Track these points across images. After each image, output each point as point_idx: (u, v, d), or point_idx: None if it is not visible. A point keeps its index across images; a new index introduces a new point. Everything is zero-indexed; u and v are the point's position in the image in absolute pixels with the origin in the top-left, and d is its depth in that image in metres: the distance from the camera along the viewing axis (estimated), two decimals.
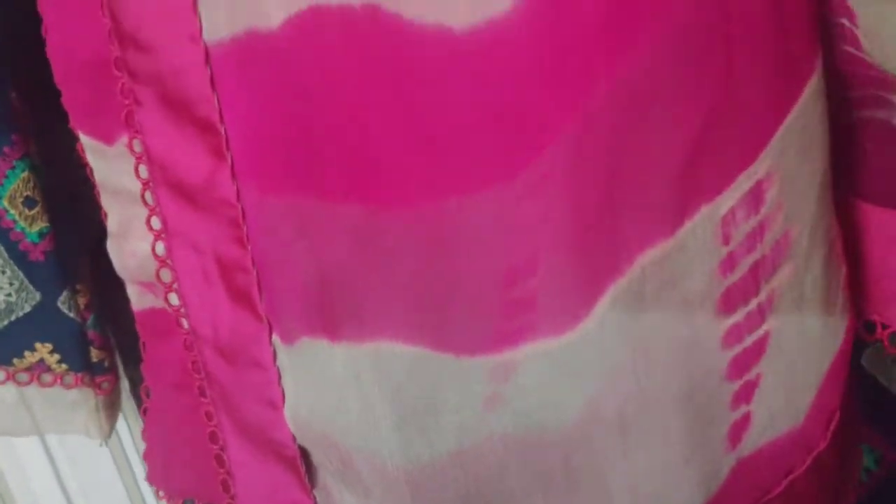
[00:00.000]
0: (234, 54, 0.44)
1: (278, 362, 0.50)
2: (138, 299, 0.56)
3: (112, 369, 0.65)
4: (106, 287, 0.61)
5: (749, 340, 0.48)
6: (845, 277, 0.51)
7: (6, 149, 0.53)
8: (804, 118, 0.46)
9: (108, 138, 0.49)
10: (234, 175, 0.47)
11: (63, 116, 0.51)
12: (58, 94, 0.50)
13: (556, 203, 0.44)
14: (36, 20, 0.48)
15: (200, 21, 0.44)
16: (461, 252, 0.45)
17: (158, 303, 0.54)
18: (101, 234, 0.54)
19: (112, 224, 0.53)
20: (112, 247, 0.54)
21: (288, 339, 0.49)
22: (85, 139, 0.50)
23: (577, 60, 0.42)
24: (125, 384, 0.71)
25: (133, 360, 0.64)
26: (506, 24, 0.41)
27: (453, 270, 0.45)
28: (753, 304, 0.48)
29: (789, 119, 0.45)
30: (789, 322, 0.49)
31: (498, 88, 0.42)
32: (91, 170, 0.52)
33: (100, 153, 0.50)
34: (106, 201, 0.52)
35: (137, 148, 0.48)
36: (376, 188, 0.45)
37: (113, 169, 0.50)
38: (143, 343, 0.58)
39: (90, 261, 0.62)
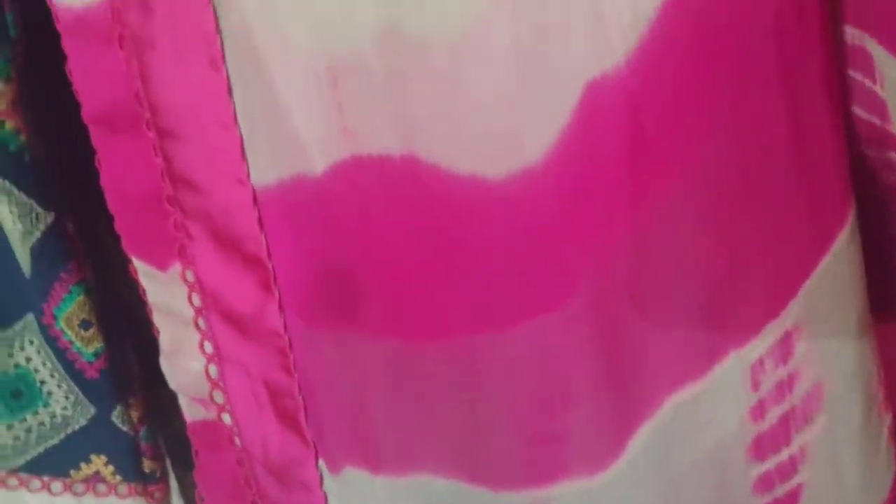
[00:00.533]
0: (280, 197, 0.48)
1: (325, 486, 0.54)
2: (190, 410, 0.60)
3: (163, 478, 0.68)
4: (156, 385, 0.65)
5: (781, 490, 0.51)
6: (890, 427, 0.53)
7: (63, 275, 0.58)
8: (834, 271, 0.49)
9: (161, 265, 0.53)
10: (281, 308, 0.51)
11: (116, 237, 0.55)
12: (111, 216, 0.54)
13: (586, 341, 0.47)
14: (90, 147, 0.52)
15: (248, 166, 0.48)
16: (494, 386, 0.49)
17: (210, 415, 0.58)
18: (154, 344, 0.58)
19: (164, 341, 0.57)
20: (165, 363, 0.58)
21: (333, 466, 0.53)
22: (138, 263, 0.54)
23: (602, 207, 0.45)
24: (174, 483, 0.74)
25: (182, 460, 0.68)
26: (536, 173, 0.45)
27: (487, 405, 0.49)
28: (785, 454, 0.50)
29: (817, 272, 0.48)
30: (824, 475, 0.52)
31: (529, 233, 0.46)
32: (144, 290, 0.56)
33: (153, 277, 0.54)
34: (158, 320, 0.56)
35: (190, 277, 0.52)
36: (412, 324, 0.48)
37: (166, 293, 0.54)
38: (196, 451, 0.61)
39: (141, 362, 0.66)
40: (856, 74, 0.49)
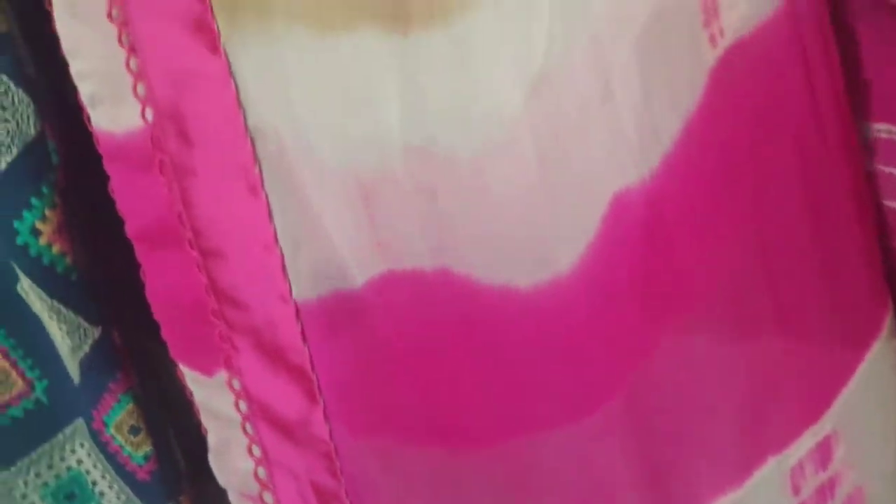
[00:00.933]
0: (321, 311, 0.50)
1: None
2: None
3: None
4: (203, 476, 0.67)
5: None
6: None
7: (111, 385, 0.60)
8: (872, 375, 0.51)
9: (207, 371, 0.56)
10: (326, 416, 0.53)
11: (162, 341, 0.57)
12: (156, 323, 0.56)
13: (623, 446, 0.49)
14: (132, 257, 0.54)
15: (289, 283, 0.50)
16: (536, 491, 0.51)
17: None
18: (200, 438, 0.60)
19: (212, 440, 0.59)
20: (213, 460, 0.60)
21: None
22: (184, 369, 0.57)
23: (633, 314, 0.48)
24: None
25: None
26: (566, 283, 0.47)
27: None
28: None
29: (855, 377, 0.50)
30: None
31: (561, 340, 0.48)
32: (191, 392, 0.58)
33: (199, 382, 0.57)
34: (206, 420, 0.58)
35: (236, 386, 0.54)
36: (453, 432, 0.51)
37: (213, 396, 0.56)
38: None
39: (189, 455, 0.69)
40: (885, 168, 0.51)
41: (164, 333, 0.56)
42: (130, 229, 0.52)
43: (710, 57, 0.46)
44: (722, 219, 0.48)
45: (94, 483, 0.64)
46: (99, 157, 0.51)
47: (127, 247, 0.53)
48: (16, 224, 0.53)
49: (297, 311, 0.51)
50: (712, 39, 0.46)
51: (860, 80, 0.52)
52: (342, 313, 0.50)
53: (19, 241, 0.54)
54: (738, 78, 0.47)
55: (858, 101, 0.52)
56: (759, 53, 0.47)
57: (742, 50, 0.47)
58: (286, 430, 0.55)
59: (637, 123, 0.45)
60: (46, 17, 0.48)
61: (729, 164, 0.47)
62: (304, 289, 0.50)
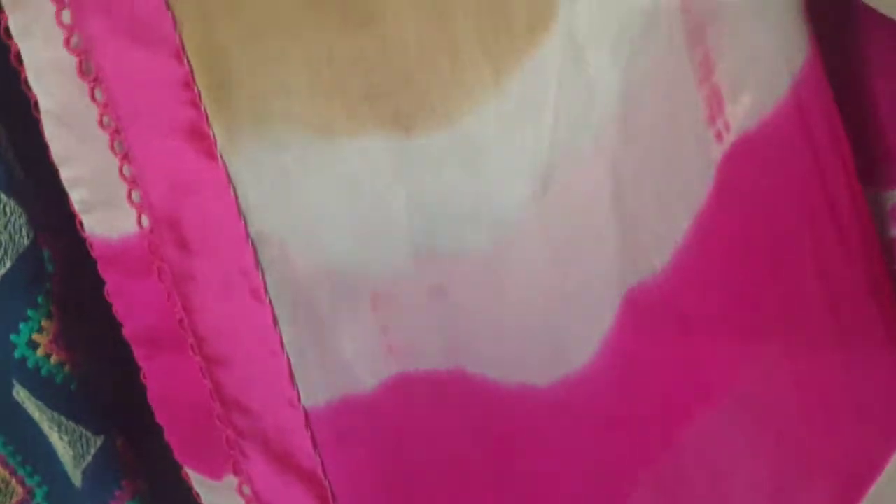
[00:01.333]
0: (332, 416, 0.50)
1: None
2: None
3: None
4: None
5: None
6: None
7: (117, 493, 0.60)
8: None
9: (214, 475, 0.55)
10: None
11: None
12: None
13: None
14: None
15: (298, 389, 0.49)
16: None
17: None
18: None
19: None
20: None
21: None
22: (191, 472, 0.56)
23: (651, 405, 0.47)
24: None
25: None
26: (584, 377, 0.47)
27: None
28: None
29: (883, 477, 0.50)
30: None
31: (581, 434, 0.48)
32: (197, 494, 0.57)
33: (207, 486, 0.56)
34: None
35: (247, 492, 0.54)
36: None
37: (221, 500, 0.56)
38: None
39: None
40: None
41: (168, 437, 0.55)
42: (129, 334, 0.51)
43: (716, 152, 0.46)
44: (739, 304, 0.48)
45: None
46: (94, 260, 0.50)
47: (128, 349, 0.52)
48: (12, 338, 0.53)
49: (307, 417, 0.50)
50: (718, 136, 0.46)
51: (878, 150, 0.51)
52: (354, 418, 0.49)
53: (16, 354, 0.53)
54: (746, 169, 0.47)
55: (875, 171, 0.52)
56: (766, 144, 0.47)
57: (748, 143, 0.47)
58: None
59: (647, 221, 0.45)
60: (34, 123, 0.48)
61: (742, 252, 0.47)
62: (313, 394, 0.49)
